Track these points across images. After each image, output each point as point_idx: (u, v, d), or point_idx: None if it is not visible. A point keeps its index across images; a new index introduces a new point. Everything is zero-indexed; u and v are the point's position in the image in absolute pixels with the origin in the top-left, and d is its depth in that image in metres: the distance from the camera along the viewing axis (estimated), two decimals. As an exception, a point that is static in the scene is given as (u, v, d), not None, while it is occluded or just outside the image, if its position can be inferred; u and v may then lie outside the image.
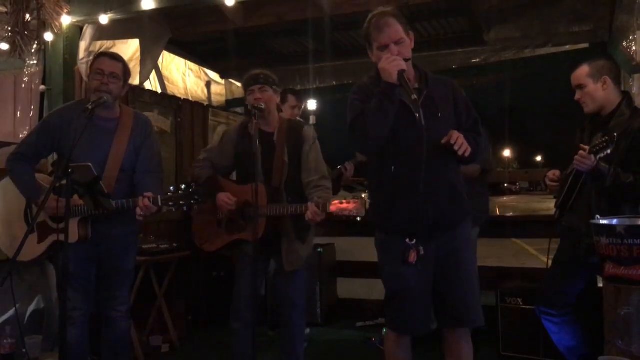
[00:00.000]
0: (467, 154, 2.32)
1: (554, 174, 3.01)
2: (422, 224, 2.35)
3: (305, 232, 3.09)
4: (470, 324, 2.48)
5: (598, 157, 2.60)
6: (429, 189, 2.35)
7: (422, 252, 2.37)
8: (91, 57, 3.55)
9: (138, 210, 2.73)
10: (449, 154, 2.35)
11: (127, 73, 2.95)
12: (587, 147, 2.66)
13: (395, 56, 2.34)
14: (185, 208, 2.72)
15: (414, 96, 2.26)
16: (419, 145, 2.32)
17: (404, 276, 2.43)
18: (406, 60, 2.36)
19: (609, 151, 2.58)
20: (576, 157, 2.66)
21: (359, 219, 2.76)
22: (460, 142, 2.30)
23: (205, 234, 3.16)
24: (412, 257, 2.37)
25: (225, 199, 3.00)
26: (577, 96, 2.91)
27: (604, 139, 2.61)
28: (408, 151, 2.37)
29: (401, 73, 2.29)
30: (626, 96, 2.93)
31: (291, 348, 3.14)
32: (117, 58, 2.95)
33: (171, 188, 2.76)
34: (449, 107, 2.46)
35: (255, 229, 2.69)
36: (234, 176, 3.32)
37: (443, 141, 2.31)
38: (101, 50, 4.35)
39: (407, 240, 2.36)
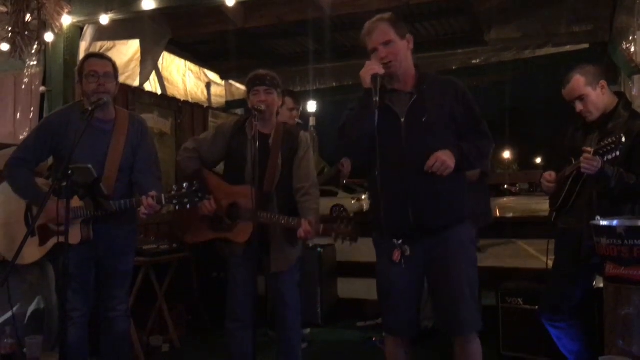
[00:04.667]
0: (445, 174, 2.34)
1: (550, 175, 2.99)
2: (401, 226, 2.41)
3: (295, 236, 3.07)
4: (458, 332, 2.46)
5: (605, 158, 2.58)
6: (408, 192, 2.40)
7: (407, 253, 2.41)
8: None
9: (142, 209, 2.73)
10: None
11: (117, 70, 2.95)
12: (591, 149, 2.64)
13: (376, 61, 2.39)
14: (188, 206, 2.72)
15: (376, 98, 2.31)
16: (394, 148, 2.41)
17: (389, 275, 2.50)
18: (387, 63, 2.39)
19: (617, 153, 2.55)
20: (583, 159, 2.64)
21: (350, 244, 2.85)
22: (437, 167, 2.33)
23: (188, 224, 3.12)
24: (396, 255, 2.43)
25: (208, 206, 2.94)
26: (579, 108, 2.86)
27: (610, 141, 2.58)
28: (389, 154, 2.43)
29: (374, 77, 2.34)
30: (622, 98, 2.92)
31: (289, 348, 3.13)
32: (105, 57, 2.96)
33: (174, 186, 2.76)
34: (441, 110, 2.45)
35: (254, 232, 2.70)
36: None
37: (425, 168, 2.35)
38: (101, 51, 4.36)
39: (395, 240, 2.43)
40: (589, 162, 2.62)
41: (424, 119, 2.41)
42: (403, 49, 2.46)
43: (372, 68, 2.36)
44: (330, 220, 2.89)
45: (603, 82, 2.84)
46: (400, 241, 2.43)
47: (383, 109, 2.41)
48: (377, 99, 2.31)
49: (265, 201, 2.96)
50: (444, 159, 2.33)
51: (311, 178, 3.07)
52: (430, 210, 2.40)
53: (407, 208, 2.40)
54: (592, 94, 2.82)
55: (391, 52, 2.41)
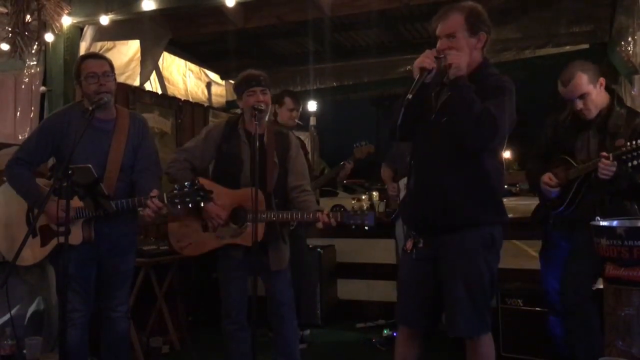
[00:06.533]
0: (451, 61, 2.26)
1: (550, 178, 2.92)
2: (412, 220, 2.48)
3: (287, 232, 3.13)
4: (453, 333, 2.43)
5: (630, 164, 2.52)
6: (421, 189, 2.42)
7: (420, 245, 2.42)
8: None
9: (148, 211, 2.72)
10: (456, 156, 2.32)
11: (113, 68, 2.94)
12: (608, 155, 2.59)
13: (432, 53, 2.31)
14: (190, 205, 2.71)
15: (409, 96, 2.23)
16: (420, 143, 2.42)
17: (403, 264, 2.60)
18: (439, 58, 2.31)
19: None
20: (602, 165, 2.59)
21: (367, 228, 2.81)
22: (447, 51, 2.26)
23: (187, 237, 3.05)
24: (409, 245, 2.46)
25: (218, 212, 2.92)
26: (579, 106, 2.82)
27: (634, 145, 2.51)
28: (416, 148, 2.47)
29: (422, 71, 2.26)
30: (614, 94, 2.90)
31: (286, 346, 3.13)
32: (101, 56, 2.96)
33: (176, 186, 2.75)
34: None
35: (255, 233, 2.68)
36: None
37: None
38: (101, 51, 4.36)
39: (412, 231, 2.48)
40: (609, 167, 2.58)
41: (444, 119, 2.34)
42: (468, 46, 2.35)
43: (424, 60, 2.27)
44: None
45: (602, 80, 2.82)
46: (414, 233, 2.47)
47: (427, 102, 2.39)
48: (411, 96, 2.21)
49: (269, 200, 2.96)
50: (457, 55, 2.27)
51: (307, 176, 3.12)
52: (436, 210, 2.36)
53: (418, 204, 2.42)
54: (593, 92, 2.79)
55: (452, 47, 2.33)
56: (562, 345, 3.10)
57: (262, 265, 3.04)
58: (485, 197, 2.39)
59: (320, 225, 2.82)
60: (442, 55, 2.32)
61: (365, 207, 18.96)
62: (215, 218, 2.94)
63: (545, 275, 3.17)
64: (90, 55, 3.02)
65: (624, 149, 2.56)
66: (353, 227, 2.82)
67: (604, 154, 2.62)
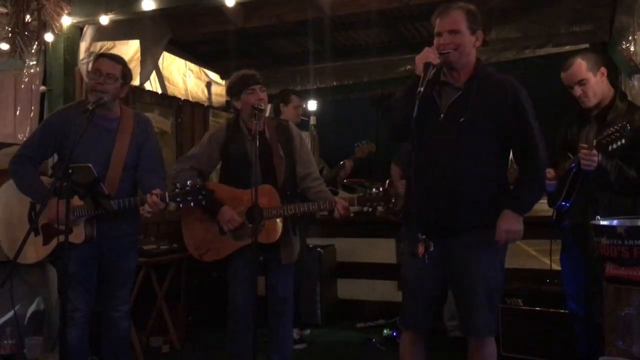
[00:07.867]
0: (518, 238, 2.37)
1: (549, 172, 2.89)
2: (423, 222, 2.37)
3: (299, 225, 3.15)
4: (471, 333, 2.44)
5: (610, 148, 2.55)
6: (432, 190, 2.36)
7: (431, 249, 2.38)
8: (91, 58, 3.58)
9: (146, 207, 2.73)
10: (468, 157, 2.33)
11: (126, 75, 2.93)
12: (586, 145, 2.63)
13: (434, 49, 2.31)
14: (192, 204, 2.72)
15: (420, 89, 2.22)
16: (429, 143, 2.36)
17: (410, 269, 2.50)
18: (444, 52, 2.31)
19: (623, 141, 2.52)
20: (581, 155, 2.61)
21: (380, 208, 2.82)
22: (511, 240, 2.36)
23: (205, 243, 3.06)
24: (420, 250, 2.39)
25: (232, 217, 2.94)
26: (578, 92, 2.84)
27: (615, 129, 2.54)
28: (424, 148, 2.37)
29: (427, 65, 2.26)
30: (618, 89, 2.92)
31: (284, 344, 3.16)
32: (116, 60, 2.94)
33: (177, 185, 2.75)
34: (485, 112, 2.33)
35: (255, 233, 2.67)
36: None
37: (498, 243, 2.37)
38: (102, 51, 4.36)
39: (419, 234, 2.39)
40: (588, 157, 2.59)
41: (461, 119, 2.32)
42: (468, 43, 2.36)
43: (427, 55, 2.27)
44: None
45: (603, 69, 2.84)
46: (424, 236, 2.39)
47: (428, 100, 2.34)
48: (422, 89, 2.21)
49: (282, 194, 2.98)
50: (510, 229, 2.34)
51: (314, 162, 3.17)
52: (449, 211, 2.35)
53: (428, 206, 2.36)
54: (592, 79, 2.82)
55: (454, 42, 2.33)
56: (583, 348, 3.07)
57: (272, 261, 3.05)
58: (496, 197, 2.40)
59: (338, 212, 2.84)
60: (445, 51, 2.32)
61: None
62: (231, 222, 2.95)
63: (564, 280, 3.16)
64: (107, 55, 3.02)
65: (605, 133, 2.59)
66: (370, 209, 2.85)
67: (583, 145, 2.65)
